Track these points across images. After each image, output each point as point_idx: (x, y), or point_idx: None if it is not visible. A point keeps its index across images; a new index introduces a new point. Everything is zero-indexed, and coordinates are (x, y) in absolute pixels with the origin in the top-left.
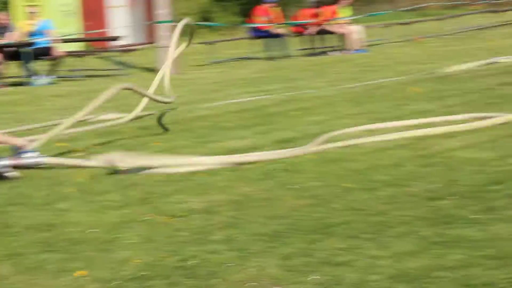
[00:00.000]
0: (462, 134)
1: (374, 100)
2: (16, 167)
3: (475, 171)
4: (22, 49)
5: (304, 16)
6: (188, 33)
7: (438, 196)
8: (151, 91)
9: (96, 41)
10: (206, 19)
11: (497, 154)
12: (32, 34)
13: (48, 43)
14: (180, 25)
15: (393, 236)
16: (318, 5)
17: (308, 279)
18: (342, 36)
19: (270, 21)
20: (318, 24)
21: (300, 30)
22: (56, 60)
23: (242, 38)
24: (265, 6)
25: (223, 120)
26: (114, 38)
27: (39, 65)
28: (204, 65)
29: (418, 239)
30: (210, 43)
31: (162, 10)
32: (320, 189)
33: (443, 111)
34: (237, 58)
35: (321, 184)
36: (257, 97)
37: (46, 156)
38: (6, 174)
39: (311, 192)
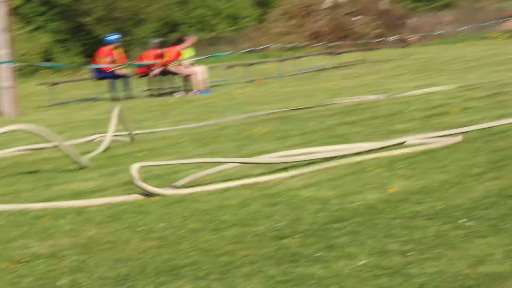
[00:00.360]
0: (306, 173)
1: (218, 140)
2: None
3: (317, 209)
4: None
5: (149, 57)
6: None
7: (283, 235)
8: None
9: None
10: (48, 60)
11: (338, 192)
12: None
13: None
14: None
15: (240, 276)
16: (162, 46)
17: None
18: (186, 77)
19: (114, 62)
20: (162, 65)
21: (144, 71)
22: None
23: (86, 79)
24: (109, 47)
25: (67, 162)
26: None
27: None
28: (46, 106)
29: (265, 278)
30: (52, 84)
31: (2, 51)
32: (167, 230)
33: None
34: (81, 99)
35: (168, 225)
36: (102, 139)
37: None
38: None
39: (158, 234)
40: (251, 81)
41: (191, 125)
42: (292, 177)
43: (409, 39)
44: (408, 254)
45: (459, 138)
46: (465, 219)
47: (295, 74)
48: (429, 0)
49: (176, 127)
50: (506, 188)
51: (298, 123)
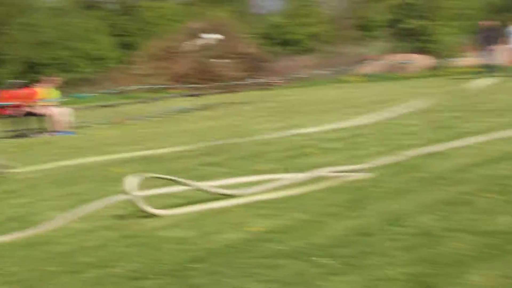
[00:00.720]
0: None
1: (78, 182)
2: None
3: (177, 249)
4: None
5: (8, 97)
6: None
7: (141, 276)
8: None
9: None
10: None
11: (198, 232)
12: None
13: None
14: None
15: None
16: (23, 86)
17: None
18: (48, 118)
19: None
20: (22, 106)
21: (3, 112)
22: None
23: None
24: None
25: None
26: None
27: None
28: None
29: None
30: None
31: None
32: (22, 274)
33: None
34: None
35: (23, 268)
36: None
37: None
38: None
39: (12, 278)
40: (115, 122)
41: (52, 166)
42: (151, 217)
43: (271, 82)
44: None
45: (370, 174)
46: (324, 257)
47: (158, 116)
48: (290, 44)
49: (36, 168)
50: (362, 226)
51: (162, 164)
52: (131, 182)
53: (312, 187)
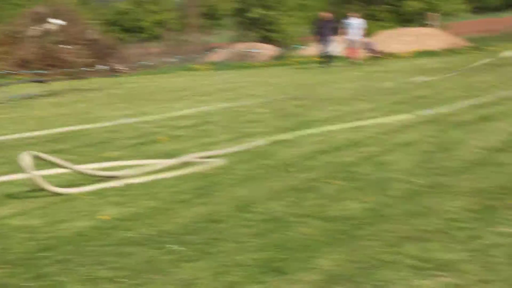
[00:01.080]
0: (14, 201)
1: None
2: None
3: (26, 238)
4: None
5: None
6: None
7: None
8: None
9: None
10: None
11: (47, 221)
12: None
13: None
14: None
15: None
16: None
17: None
18: None
19: None
20: None
21: None
22: None
23: None
24: None
25: None
26: None
27: None
28: None
29: None
30: None
31: None
32: None
33: None
34: None
35: None
36: None
37: None
38: None
39: None
40: None
41: None
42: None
43: (118, 69)
44: (118, 281)
45: (222, 160)
46: (174, 244)
47: (2, 102)
48: (137, 31)
49: None
50: (212, 213)
51: (5, 151)
52: (26, 160)
53: (163, 174)
